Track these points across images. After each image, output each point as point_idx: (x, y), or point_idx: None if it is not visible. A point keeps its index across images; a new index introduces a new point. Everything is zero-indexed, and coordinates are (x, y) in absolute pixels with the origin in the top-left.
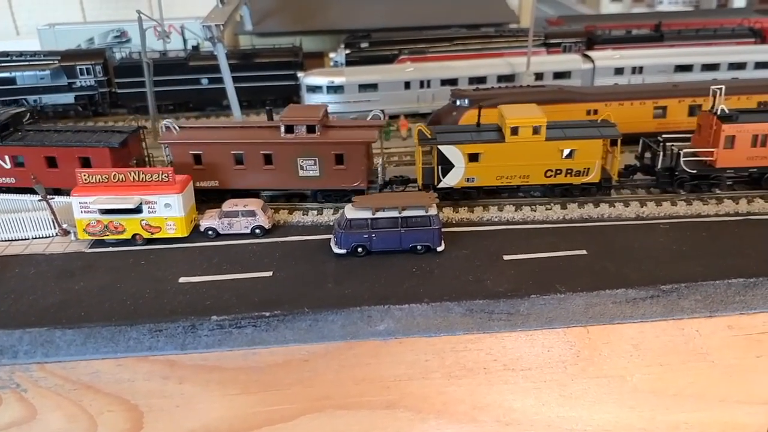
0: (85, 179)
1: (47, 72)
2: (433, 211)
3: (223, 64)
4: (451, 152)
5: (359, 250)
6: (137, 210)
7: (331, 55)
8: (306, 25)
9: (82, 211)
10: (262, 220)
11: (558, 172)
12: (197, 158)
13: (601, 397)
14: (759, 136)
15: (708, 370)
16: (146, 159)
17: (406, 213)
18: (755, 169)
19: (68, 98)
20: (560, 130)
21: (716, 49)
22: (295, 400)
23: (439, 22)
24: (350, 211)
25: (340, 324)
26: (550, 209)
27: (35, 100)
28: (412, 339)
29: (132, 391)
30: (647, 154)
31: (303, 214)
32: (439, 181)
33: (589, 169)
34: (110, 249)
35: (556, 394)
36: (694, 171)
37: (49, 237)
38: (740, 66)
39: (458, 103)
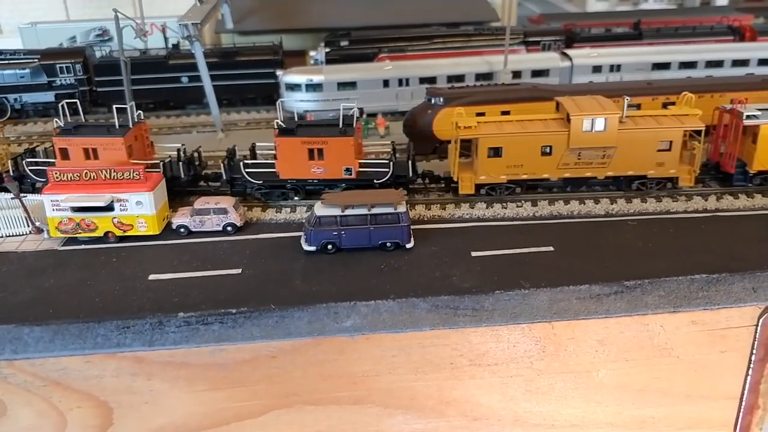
0: (57, 177)
1: (27, 71)
2: (402, 208)
3: (201, 62)
4: None
5: (329, 247)
6: (109, 208)
7: (311, 53)
8: (287, 23)
9: (53, 209)
10: (234, 218)
11: None
12: None
13: (568, 393)
14: None
15: (673, 365)
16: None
17: (375, 210)
18: None
19: (48, 97)
20: None
21: (693, 47)
22: (262, 396)
23: (419, 20)
24: (320, 209)
25: (307, 320)
26: (521, 206)
27: (15, 99)
28: (378, 335)
29: (101, 388)
30: None
31: (276, 212)
32: None
33: None
34: (82, 247)
35: (522, 390)
36: None
37: (23, 235)
38: (717, 64)
39: (433, 101)
